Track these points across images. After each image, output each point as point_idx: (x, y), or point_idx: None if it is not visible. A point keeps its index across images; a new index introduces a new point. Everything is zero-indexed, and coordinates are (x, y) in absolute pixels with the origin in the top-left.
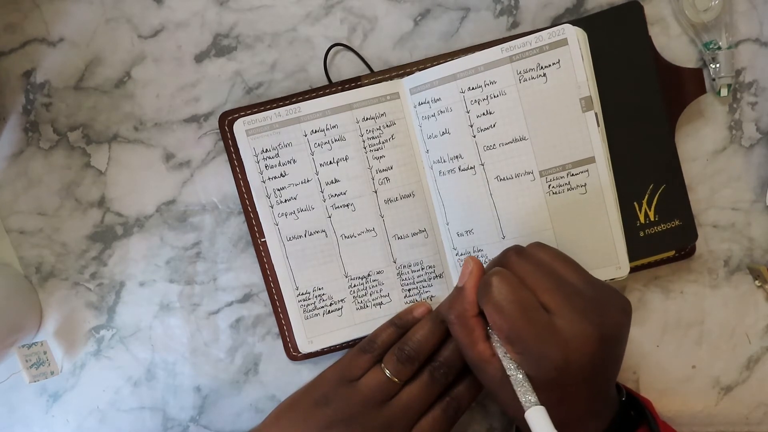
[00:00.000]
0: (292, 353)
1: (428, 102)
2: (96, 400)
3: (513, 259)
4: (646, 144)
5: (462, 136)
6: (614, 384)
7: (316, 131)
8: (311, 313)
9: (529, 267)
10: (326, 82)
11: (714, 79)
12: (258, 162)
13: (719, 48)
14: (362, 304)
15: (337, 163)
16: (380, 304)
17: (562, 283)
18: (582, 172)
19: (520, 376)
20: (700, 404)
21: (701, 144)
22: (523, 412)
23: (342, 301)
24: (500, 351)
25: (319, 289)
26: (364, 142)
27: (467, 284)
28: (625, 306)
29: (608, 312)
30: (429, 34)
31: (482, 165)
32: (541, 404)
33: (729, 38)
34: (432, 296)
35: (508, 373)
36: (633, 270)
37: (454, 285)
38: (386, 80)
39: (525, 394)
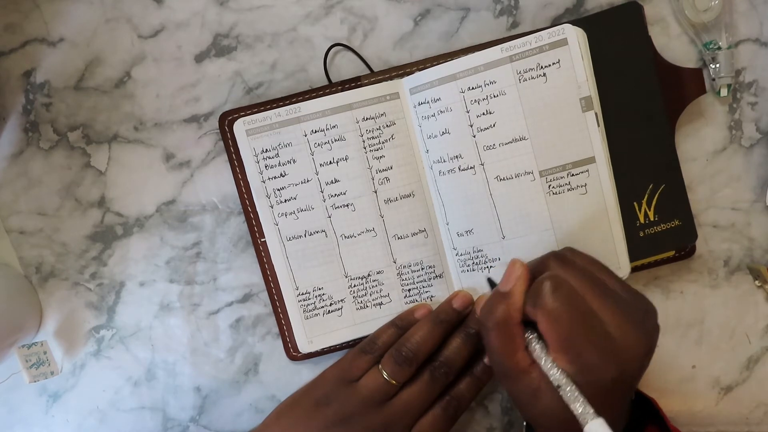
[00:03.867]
0: (292, 353)
1: (428, 102)
2: (96, 400)
3: (556, 265)
4: (646, 144)
5: (462, 135)
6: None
7: (316, 131)
8: (311, 313)
9: (575, 273)
10: (326, 82)
11: (714, 79)
12: (258, 162)
13: (719, 48)
14: (362, 304)
15: (337, 163)
16: (380, 304)
17: (609, 290)
18: (582, 173)
19: (573, 386)
20: (700, 404)
21: (701, 144)
22: (561, 421)
23: (342, 301)
24: (545, 361)
25: (319, 289)
26: (364, 142)
27: (515, 289)
28: (654, 310)
29: (649, 319)
30: (429, 34)
31: (482, 165)
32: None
33: (729, 38)
34: (432, 296)
35: (556, 384)
36: (633, 270)
37: (455, 285)
38: (386, 80)
39: (583, 405)
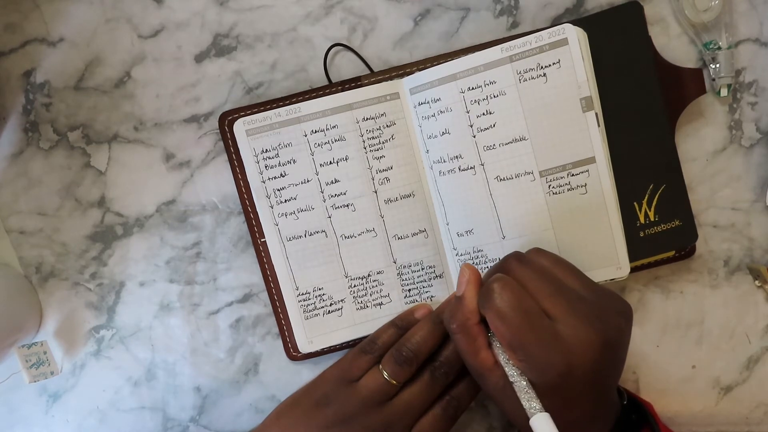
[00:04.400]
0: (292, 353)
1: (428, 102)
2: (96, 400)
3: (513, 265)
4: (646, 144)
5: (462, 136)
6: (615, 389)
7: (316, 131)
8: (311, 313)
9: (530, 273)
10: (326, 82)
11: (714, 79)
12: (258, 162)
13: (719, 48)
14: (362, 305)
15: (337, 163)
16: (380, 304)
17: (564, 288)
18: (582, 173)
19: (524, 383)
20: (700, 404)
21: (701, 144)
22: (528, 419)
23: (342, 301)
24: (503, 358)
25: (319, 289)
26: (364, 142)
27: (466, 293)
28: (626, 310)
29: (610, 317)
30: (429, 34)
31: (482, 165)
32: (545, 411)
33: (729, 38)
34: (432, 296)
35: (511, 380)
36: (633, 270)
37: (455, 285)
38: (386, 80)
39: (529, 400)
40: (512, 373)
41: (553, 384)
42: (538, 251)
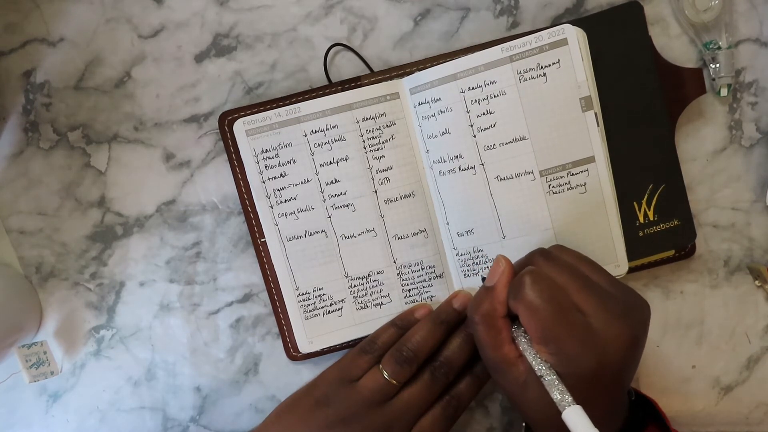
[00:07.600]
0: (292, 353)
1: (428, 102)
2: (96, 400)
3: (540, 261)
4: (646, 144)
5: (462, 135)
6: (629, 386)
7: (316, 131)
8: (311, 313)
9: (558, 268)
10: (326, 82)
11: (714, 79)
12: (258, 162)
13: (719, 48)
14: (362, 305)
15: (337, 163)
16: (380, 304)
17: (592, 284)
18: (582, 172)
19: (554, 376)
20: (700, 404)
21: (701, 144)
22: (555, 414)
23: (342, 301)
24: (529, 352)
25: (319, 289)
26: (364, 142)
27: (498, 284)
28: (647, 307)
29: (635, 313)
30: (429, 34)
31: (482, 165)
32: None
33: (729, 38)
34: (432, 296)
35: (539, 374)
36: (633, 270)
37: (455, 285)
38: (386, 80)
39: (562, 393)
40: (540, 367)
41: (582, 379)
42: (561, 248)
